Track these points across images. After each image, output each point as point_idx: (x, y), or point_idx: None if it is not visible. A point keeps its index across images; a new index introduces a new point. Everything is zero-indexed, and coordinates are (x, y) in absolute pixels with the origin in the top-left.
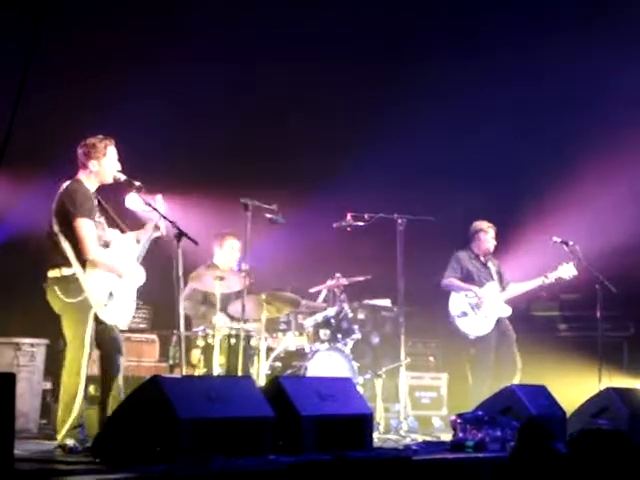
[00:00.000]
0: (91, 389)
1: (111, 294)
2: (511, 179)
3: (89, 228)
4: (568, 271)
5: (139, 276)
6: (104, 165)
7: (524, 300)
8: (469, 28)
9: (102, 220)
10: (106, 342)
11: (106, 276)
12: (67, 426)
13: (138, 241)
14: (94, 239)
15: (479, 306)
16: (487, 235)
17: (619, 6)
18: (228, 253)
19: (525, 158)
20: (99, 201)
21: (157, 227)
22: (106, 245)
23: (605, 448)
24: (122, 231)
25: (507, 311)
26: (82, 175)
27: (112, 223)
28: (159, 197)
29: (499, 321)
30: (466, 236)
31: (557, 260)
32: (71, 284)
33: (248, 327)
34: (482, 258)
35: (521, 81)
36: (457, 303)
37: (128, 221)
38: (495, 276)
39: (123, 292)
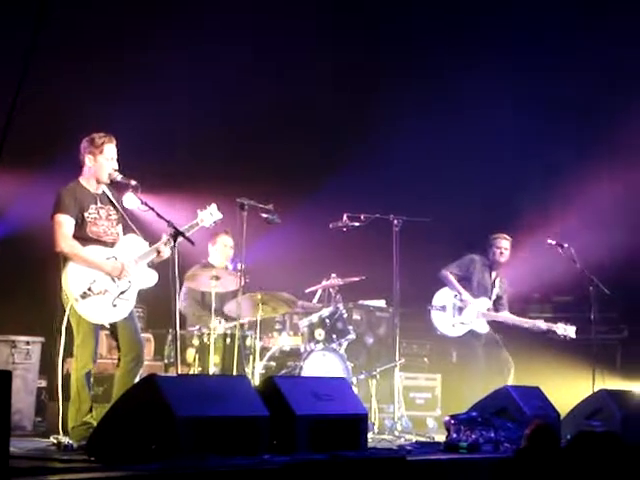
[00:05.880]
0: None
1: (90, 289)
2: (506, 181)
3: (61, 223)
4: (566, 331)
5: (144, 279)
6: (99, 161)
7: (518, 301)
8: (471, 27)
9: (102, 215)
10: (119, 344)
11: (83, 271)
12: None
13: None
14: (65, 233)
15: (460, 311)
16: (497, 250)
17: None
18: (221, 250)
19: (522, 159)
20: (109, 199)
21: (159, 251)
22: (112, 243)
23: (598, 449)
24: (133, 232)
25: (484, 329)
26: (82, 174)
27: (125, 223)
28: (214, 206)
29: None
30: (464, 238)
31: (552, 263)
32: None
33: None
34: (493, 272)
35: (521, 85)
36: (443, 297)
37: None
38: (494, 295)
39: (110, 290)
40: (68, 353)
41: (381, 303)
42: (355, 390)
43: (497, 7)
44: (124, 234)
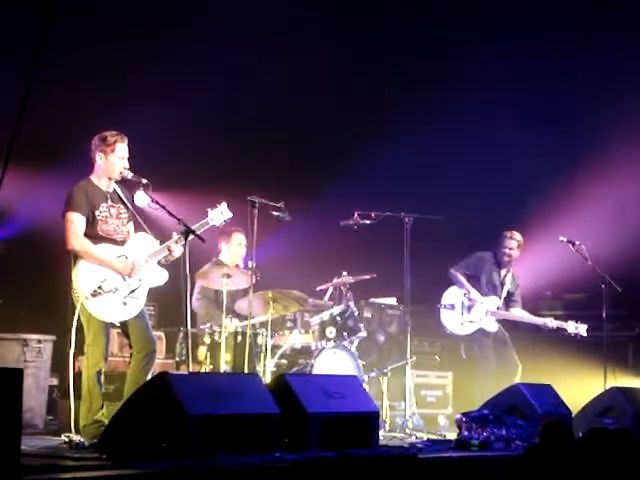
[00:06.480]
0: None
1: (100, 288)
2: (517, 178)
3: (72, 220)
4: (577, 330)
5: (155, 277)
6: (111, 160)
7: (529, 299)
8: (478, 22)
9: (112, 214)
10: (131, 342)
11: (93, 269)
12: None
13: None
14: (77, 231)
15: (469, 310)
16: (502, 250)
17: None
18: (235, 249)
19: (531, 157)
20: (119, 197)
21: (170, 250)
22: (122, 242)
23: (610, 447)
24: (144, 230)
25: (493, 327)
26: (94, 172)
27: (135, 222)
28: (224, 204)
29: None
30: (475, 236)
31: (564, 260)
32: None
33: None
34: (503, 270)
35: (527, 81)
36: (452, 295)
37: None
38: (504, 293)
39: (120, 288)
40: (79, 351)
41: (392, 301)
42: (366, 388)
43: (497, 10)
44: (135, 232)
